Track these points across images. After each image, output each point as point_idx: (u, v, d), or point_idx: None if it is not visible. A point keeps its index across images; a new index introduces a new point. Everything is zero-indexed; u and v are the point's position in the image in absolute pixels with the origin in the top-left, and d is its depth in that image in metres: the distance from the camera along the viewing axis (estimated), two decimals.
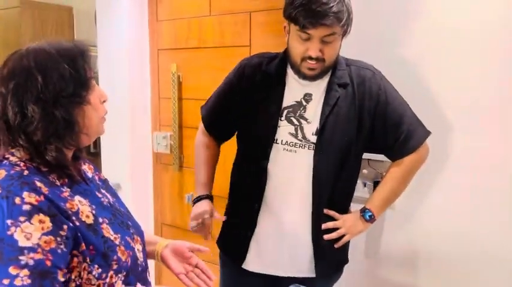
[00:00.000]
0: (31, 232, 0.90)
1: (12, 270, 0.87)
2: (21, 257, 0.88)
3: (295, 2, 1.39)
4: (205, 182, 1.71)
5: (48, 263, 0.91)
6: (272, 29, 2.23)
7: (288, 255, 1.58)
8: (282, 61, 1.58)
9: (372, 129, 1.54)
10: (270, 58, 1.62)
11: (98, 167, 1.29)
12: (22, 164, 0.98)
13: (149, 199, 2.95)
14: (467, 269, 1.76)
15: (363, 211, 1.58)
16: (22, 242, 0.89)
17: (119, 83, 2.73)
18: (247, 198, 1.61)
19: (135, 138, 2.81)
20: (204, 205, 1.64)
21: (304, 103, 1.54)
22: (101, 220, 1.05)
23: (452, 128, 1.75)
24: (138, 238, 1.17)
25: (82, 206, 1.02)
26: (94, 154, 3.04)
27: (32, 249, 0.89)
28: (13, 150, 1.01)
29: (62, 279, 0.93)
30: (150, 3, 2.76)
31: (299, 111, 1.54)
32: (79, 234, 0.98)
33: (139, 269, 1.14)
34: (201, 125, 1.78)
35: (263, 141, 1.55)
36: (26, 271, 0.88)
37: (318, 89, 1.53)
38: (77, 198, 1.03)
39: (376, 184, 1.87)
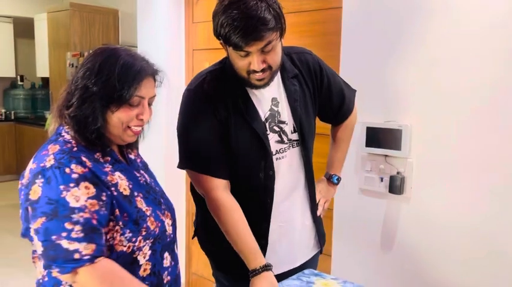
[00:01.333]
0: (79, 195, 1.06)
1: (67, 225, 1.04)
2: (73, 216, 1.04)
3: (222, 22, 1.32)
4: (258, 248, 1.44)
5: (94, 221, 1.07)
6: (298, 30, 2.31)
7: (300, 245, 1.67)
8: (234, 76, 1.46)
9: (321, 103, 1.66)
10: (220, 78, 1.50)
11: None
12: (73, 142, 1.15)
13: (182, 195, 3.12)
14: (482, 268, 1.77)
15: (330, 177, 1.76)
16: (72, 204, 1.05)
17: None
18: (253, 217, 1.51)
19: (169, 134, 2.94)
20: (271, 280, 1.40)
21: (275, 109, 1.54)
22: (136, 193, 1.19)
23: (471, 124, 1.76)
24: (169, 214, 1.31)
25: (121, 181, 1.17)
26: None
27: (80, 209, 1.05)
28: (68, 129, 1.17)
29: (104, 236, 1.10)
30: (186, 6, 2.88)
31: (276, 118, 1.54)
32: (115, 202, 1.13)
33: (168, 239, 1.27)
34: (206, 185, 1.48)
35: (264, 158, 1.52)
36: (78, 227, 1.04)
37: (278, 89, 1.55)
38: (117, 174, 1.18)
39: (391, 179, 1.93)
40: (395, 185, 1.91)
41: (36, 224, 1.05)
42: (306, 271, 1.65)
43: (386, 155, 1.95)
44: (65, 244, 1.04)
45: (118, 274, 1.11)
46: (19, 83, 7.00)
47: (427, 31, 1.83)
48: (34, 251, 1.18)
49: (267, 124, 1.52)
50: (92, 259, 1.05)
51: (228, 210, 1.45)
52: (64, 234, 1.04)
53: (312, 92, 1.61)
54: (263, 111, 1.52)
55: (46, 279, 1.17)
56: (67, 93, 1.17)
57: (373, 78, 1.99)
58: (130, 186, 1.19)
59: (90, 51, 1.20)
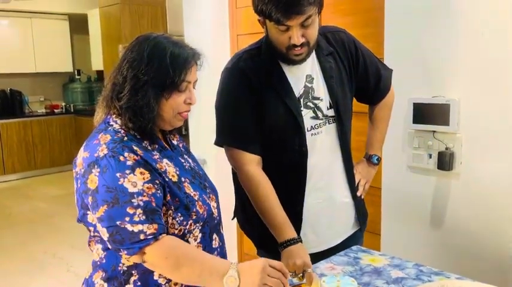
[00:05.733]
0: (136, 181, 1.09)
1: (129, 210, 1.08)
2: (133, 200, 1.08)
3: None
4: (288, 221, 1.47)
5: (153, 203, 1.11)
6: (339, 9, 2.29)
7: (339, 223, 1.67)
8: (269, 54, 1.52)
9: (358, 82, 1.64)
10: (257, 55, 1.55)
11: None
12: (123, 131, 1.17)
13: (230, 175, 3.13)
14: None
15: (370, 157, 1.74)
16: (131, 189, 1.08)
17: (203, 67, 2.91)
18: (287, 195, 1.54)
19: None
20: (301, 254, 1.39)
21: (309, 85, 1.56)
22: (183, 179, 1.22)
23: None
24: (214, 197, 1.33)
25: (169, 167, 1.20)
26: (185, 136, 3.31)
27: (139, 193, 1.09)
28: (116, 119, 1.20)
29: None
30: None
31: (310, 94, 1.56)
32: (166, 187, 1.17)
33: (215, 222, 1.30)
34: (238, 159, 1.53)
35: (297, 134, 1.53)
36: (140, 210, 1.08)
37: (313, 67, 1.56)
38: (165, 161, 1.21)
39: (440, 155, 1.89)
40: (444, 161, 1.87)
41: (99, 212, 1.09)
42: (354, 248, 1.67)
43: (434, 131, 1.91)
44: (129, 227, 1.07)
45: (182, 247, 1.15)
46: (76, 77, 7.30)
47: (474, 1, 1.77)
48: (90, 236, 1.24)
49: (301, 100, 1.54)
50: (156, 236, 1.09)
51: (258, 184, 1.49)
52: (127, 218, 1.08)
53: (348, 71, 1.61)
54: (297, 88, 1.54)
55: (104, 261, 1.21)
56: (113, 84, 1.19)
57: (419, 54, 1.94)
58: (178, 172, 1.22)
59: (131, 42, 1.21)
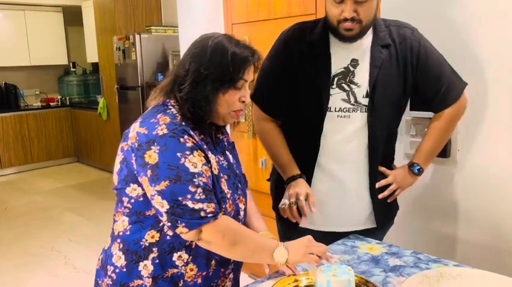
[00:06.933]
0: (196, 162, 1.17)
1: (191, 188, 1.15)
2: (194, 180, 1.16)
3: None
4: (292, 161, 1.61)
5: (210, 185, 1.20)
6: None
7: (349, 211, 1.65)
8: (323, 29, 1.57)
9: (415, 84, 1.57)
10: (311, 27, 1.61)
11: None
12: (179, 117, 1.22)
13: None
14: None
15: (411, 165, 1.64)
16: (192, 169, 1.16)
17: None
18: (300, 166, 1.61)
19: None
20: (300, 185, 1.54)
21: (351, 69, 1.56)
22: (221, 175, 1.28)
23: None
24: (243, 199, 1.38)
25: (212, 160, 1.25)
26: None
27: (199, 174, 1.17)
28: (174, 104, 1.25)
29: None
30: None
31: (348, 77, 1.56)
32: (211, 176, 1.23)
33: (240, 222, 1.34)
34: (257, 114, 1.71)
35: (317, 111, 1.57)
36: (200, 189, 1.16)
37: (363, 53, 1.56)
38: (209, 153, 1.25)
39: None
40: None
41: (160, 186, 1.15)
42: (351, 236, 1.67)
43: (431, 118, 1.89)
44: (190, 204, 1.15)
45: (237, 227, 1.25)
46: (71, 69, 7.29)
47: None
48: (120, 207, 1.29)
49: (335, 79, 1.56)
50: (215, 215, 1.18)
51: (270, 132, 1.68)
52: (189, 196, 1.15)
53: (403, 69, 1.55)
54: (337, 67, 1.56)
55: (128, 233, 1.27)
56: (175, 76, 1.26)
57: None
58: (217, 167, 1.27)
59: (194, 40, 1.28)
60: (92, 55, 6.40)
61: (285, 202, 1.53)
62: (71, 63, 7.26)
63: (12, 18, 6.59)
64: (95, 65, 6.76)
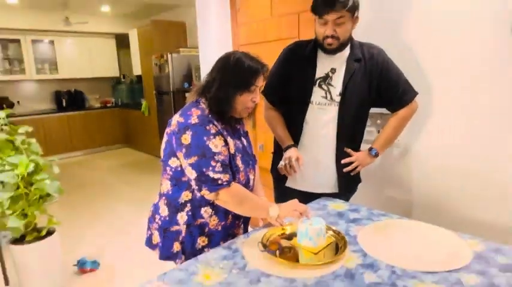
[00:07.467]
0: (217, 144, 1.18)
1: (212, 163, 1.17)
2: (215, 157, 1.17)
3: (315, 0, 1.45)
4: (288, 136, 1.63)
5: (227, 161, 1.22)
6: (313, 24, 2.22)
7: (321, 178, 1.66)
8: (314, 46, 1.57)
9: (378, 89, 1.55)
10: (306, 44, 1.62)
11: None
12: (207, 111, 1.23)
13: None
14: (453, 192, 1.72)
15: (370, 149, 1.63)
16: (214, 149, 1.18)
17: None
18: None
19: None
20: (292, 151, 1.57)
21: (330, 75, 1.56)
22: (237, 154, 1.28)
23: (448, 88, 1.68)
24: (253, 171, 1.39)
25: (230, 143, 1.25)
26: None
27: (219, 153, 1.18)
28: (204, 102, 1.25)
29: None
30: (232, 12, 2.84)
31: (327, 80, 1.56)
32: (228, 154, 1.24)
33: (250, 188, 1.36)
34: (264, 104, 1.72)
35: (302, 103, 1.59)
36: (219, 164, 1.18)
37: (340, 64, 1.55)
38: (229, 137, 1.25)
39: None
40: None
41: (191, 160, 1.17)
42: (323, 198, 1.67)
43: (381, 113, 1.88)
44: (211, 174, 1.17)
45: (243, 191, 1.25)
46: (122, 80, 7.23)
47: (409, 19, 1.71)
48: (165, 174, 1.30)
49: (317, 82, 1.56)
50: (229, 183, 1.20)
51: (274, 116, 1.69)
52: (210, 168, 1.17)
53: (369, 77, 1.53)
54: (320, 73, 1.57)
55: (170, 193, 1.29)
56: (207, 82, 1.26)
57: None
58: (234, 148, 1.27)
59: (220, 56, 1.28)
60: (136, 69, 6.34)
61: (281, 163, 1.57)
62: (121, 75, 7.20)
63: (80, 43, 6.53)
64: (139, 77, 6.70)
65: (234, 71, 1.21)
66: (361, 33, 1.68)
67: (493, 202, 1.61)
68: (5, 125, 2.15)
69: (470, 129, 1.64)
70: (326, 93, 1.56)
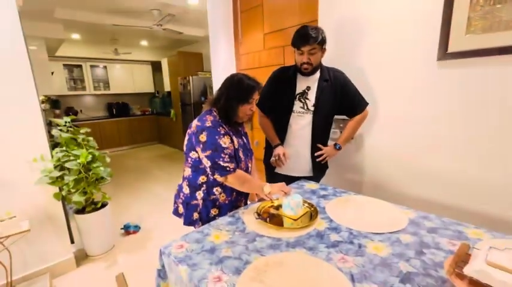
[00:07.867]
0: (225, 141, 1.17)
1: (222, 155, 1.15)
2: (224, 151, 1.16)
3: (294, 35, 1.44)
4: (276, 137, 1.62)
5: (232, 154, 1.18)
6: (293, 54, 2.19)
7: (300, 165, 1.65)
8: (294, 69, 1.58)
9: (340, 101, 1.56)
10: (288, 69, 1.62)
11: None
12: (217, 117, 1.21)
13: None
14: (394, 174, 1.71)
15: (335, 144, 1.64)
16: (223, 145, 1.16)
17: None
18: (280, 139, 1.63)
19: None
20: (279, 149, 1.57)
21: (306, 91, 1.55)
22: (239, 148, 1.26)
23: (390, 100, 1.65)
24: (250, 161, 1.37)
25: (235, 140, 1.23)
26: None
27: (227, 148, 1.17)
28: (215, 111, 1.24)
29: None
30: (236, 45, 2.80)
31: (304, 95, 1.55)
32: (234, 148, 1.23)
33: (248, 173, 1.34)
34: (258, 113, 1.69)
35: (286, 112, 1.58)
36: (227, 156, 1.16)
37: (313, 83, 1.54)
38: (233, 136, 1.23)
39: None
40: None
41: (206, 153, 1.16)
42: (301, 180, 1.66)
43: (343, 119, 1.86)
44: (221, 163, 1.18)
45: (245, 175, 1.25)
46: (156, 94, 7.16)
47: (360, 49, 1.69)
48: (187, 163, 1.28)
49: (297, 96, 1.57)
50: (234, 170, 1.21)
51: (265, 122, 1.65)
52: (221, 159, 1.17)
53: (334, 93, 1.54)
54: (299, 90, 1.57)
55: (191, 176, 1.27)
56: (217, 96, 1.24)
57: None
58: (238, 144, 1.26)
59: (227, 77, 1.25)
60: (167, 87, 6.29)
61: (272, 158, 1.58)
62: (156, 91, 7.13)
63: (125, 68, 6.45)
64: (169, 92, 6.63)
65: (237, 88, 1.20)
66: (328, 60, 1.68)
67: (419, 180, 1.61)
68: (70, 127, 2.14)
69: (406, 129, 1.63)
70: (303, 105, 1.56)
